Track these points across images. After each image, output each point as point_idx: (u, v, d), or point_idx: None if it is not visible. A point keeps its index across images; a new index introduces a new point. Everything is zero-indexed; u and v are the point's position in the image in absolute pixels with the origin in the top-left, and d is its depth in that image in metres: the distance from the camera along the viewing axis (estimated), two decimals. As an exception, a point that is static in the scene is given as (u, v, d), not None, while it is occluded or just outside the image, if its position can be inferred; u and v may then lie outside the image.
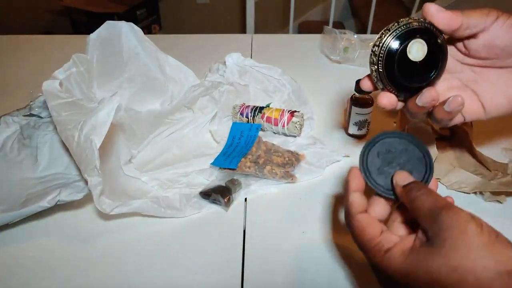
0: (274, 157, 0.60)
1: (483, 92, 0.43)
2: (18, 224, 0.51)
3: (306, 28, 2.65)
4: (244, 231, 0.52)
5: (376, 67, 0.41)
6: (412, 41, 0.40)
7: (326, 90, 0.82)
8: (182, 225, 0.53)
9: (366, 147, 0.40)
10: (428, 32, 0.40)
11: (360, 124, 0.66)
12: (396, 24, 0.40)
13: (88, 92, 0.61)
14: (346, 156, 0.63)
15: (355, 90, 0.65)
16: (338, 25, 2.56)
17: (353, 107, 0.65)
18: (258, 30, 1.77)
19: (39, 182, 0.56)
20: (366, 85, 0.45)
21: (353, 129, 0.67)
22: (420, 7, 2.03)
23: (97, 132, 0.49)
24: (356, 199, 0.38)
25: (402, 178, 0.37)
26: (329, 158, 0.62)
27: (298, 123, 0.65)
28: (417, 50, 0.40)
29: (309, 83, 0.80)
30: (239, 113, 0.69)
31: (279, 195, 0.57)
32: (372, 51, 0.41)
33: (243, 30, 2.21)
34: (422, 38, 0.40)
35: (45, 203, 0.49)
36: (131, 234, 0.52)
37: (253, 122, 0.68)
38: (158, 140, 0.67)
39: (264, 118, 0.67)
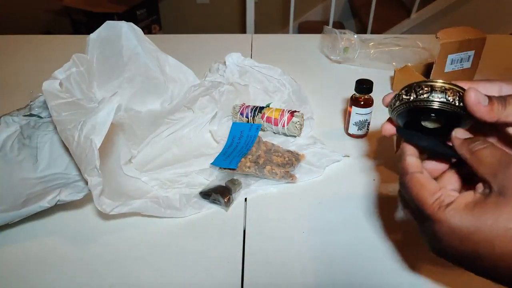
0: (274, 157, 0.60)
1: None
2: (18, 224, 0.51)
3: (306, 28, 2.65)
4: (244, 231, 0.52)
5: (395, 117, 0.41)
6: (428, 121, 0.39)
7: (326, 90, 0.82)
8: (182, 225, 0.53)
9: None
10: (449, 115, 0.38)
11: (360, 124, 0.66)
12: (419, 91, 0.38)
13: (88, 92, 0.61)
14: (346, 156, 0.63)
15: (355, 90, 0.65)
16: (338, 25, 2.56)
17: (353, 107, 0.65)
18: (258, 30, 1.77)
19: (39, 182, 0.56)
20: (387, 131, 0.43)
21: (353, 129, 0.67)
22: (420, 7, 2.03)
23: (97, 132, 0.49)
24: (413, 160, 0.38)
25: (462, 132, 0.37)
26: (329, 158, 0.62)
27: (298, 123, 0.65)
28: (431, 124, 0.40)
29: (309, 83, 0.80)
30: (239, 113, 0.69)
31: (279, 195, 0.57)
32: (397, 100, 0.40)
33: (243, 30, 2.21)
34: (439, 117, 0.38)
35: (45, 203, 0.49)
36: (131, 234, 0.52)
37: (253, 122, 0.68)
38: (158, 140, 0.67)
39: (264, 118, 0.67)
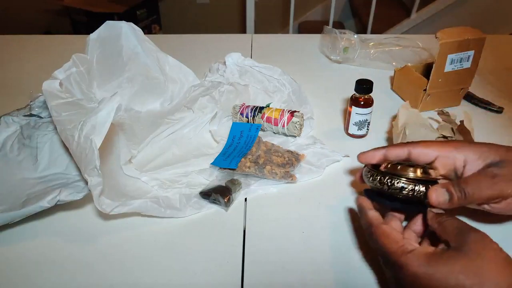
0: (274, 157, 0.60)
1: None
2: (18, 224, 0.51)
3: (306, 28, 2.65)
4: (244, 231, 0.52)
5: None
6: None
7: (326, 90, 0.82)
8: (182, 225, 0.53)
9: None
10: (417, 200, 0.45)
11: (360, 124, 0.66)
12: (389, 183, 0.45)
13: (88, 92, 0.61)
14: (346, 156, 0.63)
15: (355, 90, 0.65)
16: (338, 25, 2.56)
17: (353, 107, 0.65)
18: (258, 30, 1.77)
19: (39, 182, 0.56)
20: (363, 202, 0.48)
21: (353, 129, 0.67)
22: (420, 7, 2.03)
23: (97, 132, 0.49)
24: (375, 214, 0.45)
25: (436, 210, 0.43)
26: (329, 158, 0.62)
27: (298, 123, 0.65)
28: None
29: (309, 83, 0.80)
30: (239, 113, 0.69)
31: (279, 195, 0.57)
32: (372, 180, 0.47)
33: (243, 30, 2.21)
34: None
35: (45, 203, 0.49)
36: (131, 234, 0.52)
37: (253, 122, 0.68)
38: (158, 140, 0.67)
39: (264, 118, 0.67)
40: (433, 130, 0.63)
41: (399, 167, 0.45)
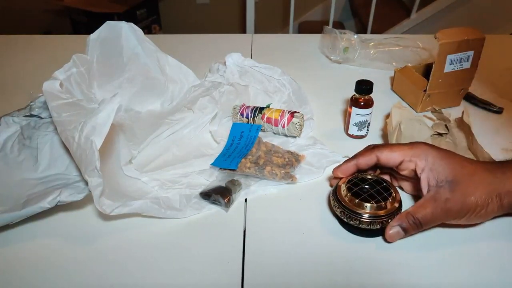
0: (274, 158, 0.60)
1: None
2: (19, 224, 0.51)
3: (306, 28, 2.65)
4: (244, 232, 0.52)
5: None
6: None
7: (326, 90, 0.82)
8: (182, 226, 0.53)
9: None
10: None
11: (360, 125, 0.66)
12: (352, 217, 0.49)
13: (88, 93, 0.61)
14: (346, 157, 0.63)
15: (355, 90, 0.65)
16: (338, 25, 2.56)
17: (353, 107, 0.65)
18: (258, 30, 1.77)
19: (39, 182, 0.56)
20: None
21: (353, 130, 0.67)
22: (420, 7, 2.03)
23: (97, 133, 0.49)
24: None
25: (392, 235, 0.49)
26: (329, 158, 0.62)
27: (298, 123, 0.65)
28: None
29: (309, 83, 0.80)
30: (239, 114, 0.69)
31: (279, 195, 0.57)
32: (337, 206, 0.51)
33: (243, 30, 2.20)
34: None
35: (46, 203, 0.49)
36: (131, 234, 0.52)
37: (253, 123, 0.68)
38: (158, 141, 0.67)
39: (264, 119, 0.67)
40: (428, 127, 0.63)
41: (356, 201, 0.49)
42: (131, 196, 0.54)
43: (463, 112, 0.62)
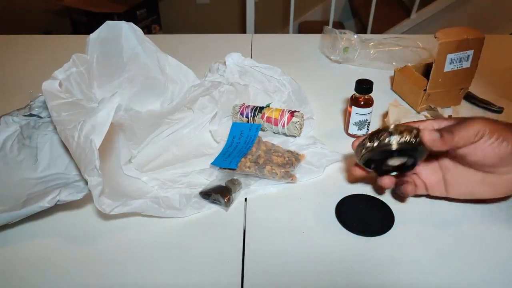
0: (274, 157, 0.60)
1: (451, 181, 0.52)
2: (18, 224, 0.51)
3: (306, 28, 2.65)
4: (244, 231, 0.52)
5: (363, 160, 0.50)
6: (392, 159, 0.48)
7: (326, 90, 0.82)
8: (182, 225, 0.53)
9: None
10: (409, 152, 0.47)
11: (360, 124, 0.66)
12: (380, 137, 0.46)
13: (88, 92, 0.61)
14: (346, 157, 0.63)
15: (355, 90, 0.65)
16: (338, 25, 2.56)
17: (353, 107, 0.65)
18: (258, 30, 1.77)
19: (39, 182, 0.56)
20: (358, 172, 0.54)
21: (353, 129, 0.67)
22: (420, 7, 2.03)
23: (97, 132, 0.49)
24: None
25: (429, 135, 0.46)
26: (329, 158, 0.62)
27: (298, 123, 0.65)
28: (395, 161, 0.49)
29: (309, 83, 0.80)
30: (239, 113, 0.69)
31: (279, 195, 0.57)
32: (362, 148, 0.48)
33: (243, 30, 2.20)
34: (401, 156, 0.48)
35: (45, 203, 0.49)
36: (131, 234, 0.52)
37: (253, 122, 0.68)
38: (158, 140, 0.67)
39: (264, 118, 0.67)
40: None
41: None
42: (130, 195, 0.54)
43: (451, 114, 0.62)
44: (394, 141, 0.45)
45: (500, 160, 0.46)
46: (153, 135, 0.66)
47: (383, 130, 0.46)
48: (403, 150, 0.46)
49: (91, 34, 0.62)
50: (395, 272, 0.46)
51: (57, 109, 0.54)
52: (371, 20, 1.83)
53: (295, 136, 0.67)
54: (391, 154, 0.47)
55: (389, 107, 0.64)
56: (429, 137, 0.45)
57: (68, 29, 2.51)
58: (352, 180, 0.59)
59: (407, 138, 0.45)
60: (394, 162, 0.49)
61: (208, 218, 0.54)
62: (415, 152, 0.47)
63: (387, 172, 0.51)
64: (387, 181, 0.51)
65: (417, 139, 0.45)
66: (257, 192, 0.58)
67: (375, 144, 0.46)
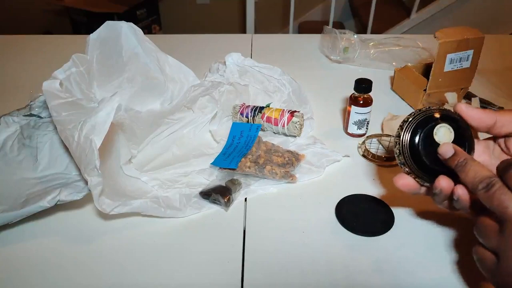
0: (274, 157, 0.60)
1: None
2: (18, 224, 0.51)
3: (306, 28, 2.65)
4: (244, 231, 0.52)
5: (402, 155, 0.43)
6: (438, 126, 0.42)
7: (326, 90, 0.82)
8: (182, 225, 0.53)
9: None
10: (453, 119, 0.42)
11: (360, 124, 0.66)
12: (418, 111, 0.43)
13: (88, 92, 0.61)
14: (346, 156, 0.63)
15: (354, 89, 0.65)
16: (338, 25, 2.56)
17: (352, 106, 0.65)
18: (258, 30, 1.77)
19: (39, 182, 0.56)
20: (406, 186, 0.44)
21: (352, 129, 0.67)
22: (420, 7, 2.03)
23: (97, 132, 0.49)
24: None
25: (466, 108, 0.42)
26: (329, 158, 0.62)
27: (298, 123, 0.65)
28: (444, 134, 0.42)
29: (309, 83, 0.80)
30: (239, 113, 0.69)
31: (279, 195, 0.57)
32: (398, 135, 0.43)
33: (243, 30, 2.20)
34: (448, 124, 0.42)
35: (45, 203, 0.49)
36: (131, 234, 0.52)
37: (253, 122, 0.68)
38: (158, 140, 0.67)
39: (264, 118, 0.67)
40: None
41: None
42: (130, 195, 0.54)
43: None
44: (435, 108, 0.43)
45: None
46: (153, 135, 0.66)
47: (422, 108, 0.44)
48: (444, 116, 0.42)
49: (91, 34, 0.63)
50: (395, 272, 0.46)
51: (57, 109, 0.54)
52: (371, 20, 1.83)
53: (295, 136, 0.67)
54: (435, 120, 0.42)
55: (383, 123, 0.63)
56: (465, 107, 0.41)
57: (68, 29, 2.51)
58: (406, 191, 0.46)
59: (447, 109, 0.43)
60: (440, 137, 0.42)
61: (208, 218, 0.54)
62: (457, 123, 0.42)
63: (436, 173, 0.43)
64: (443, 181, 0.42)
65: (457, 114, 0.43)
66: (257, 192, 0.58)
67: (417, 113, 0.43)
